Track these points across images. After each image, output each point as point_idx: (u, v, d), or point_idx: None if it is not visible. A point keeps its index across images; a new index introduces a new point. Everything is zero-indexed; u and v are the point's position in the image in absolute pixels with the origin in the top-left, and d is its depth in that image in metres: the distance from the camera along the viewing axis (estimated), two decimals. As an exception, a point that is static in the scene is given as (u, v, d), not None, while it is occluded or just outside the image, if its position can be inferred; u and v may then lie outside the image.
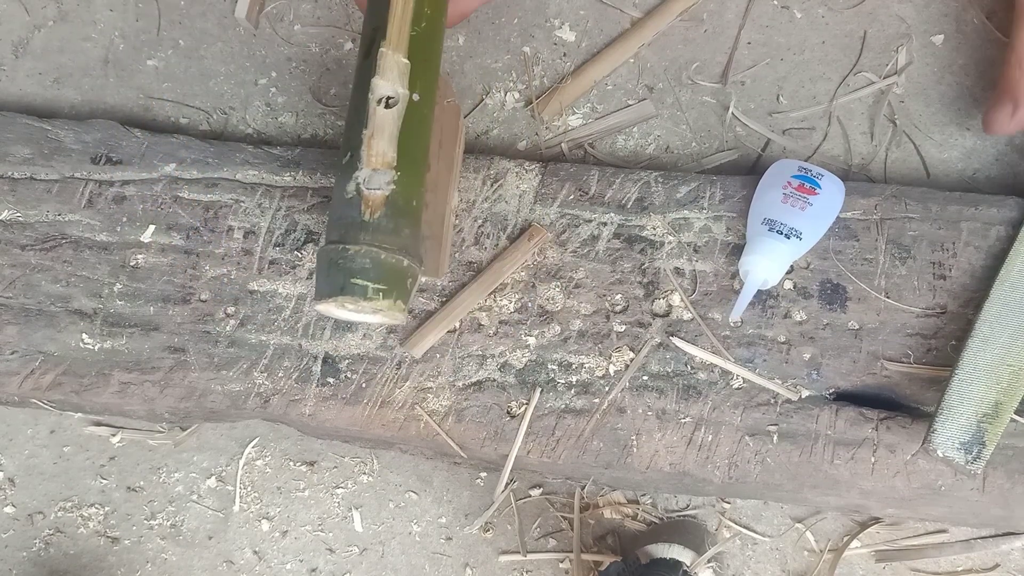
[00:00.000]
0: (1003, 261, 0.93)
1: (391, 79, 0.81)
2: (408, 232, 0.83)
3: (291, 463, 1.10)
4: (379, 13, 0.83)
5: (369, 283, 0.80)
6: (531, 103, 1.12)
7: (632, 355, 0.95)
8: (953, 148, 1.08)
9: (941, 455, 0.85)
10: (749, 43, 1.13)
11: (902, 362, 0.93)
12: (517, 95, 1.13)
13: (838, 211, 0.96)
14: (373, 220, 0.80)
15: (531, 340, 0.96)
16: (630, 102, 1.12)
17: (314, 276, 0.86)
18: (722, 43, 1.13)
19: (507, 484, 1.00)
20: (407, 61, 0.82)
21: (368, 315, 0.85)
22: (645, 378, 0.94)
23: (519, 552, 1.05)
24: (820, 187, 0.95)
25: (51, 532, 1.09)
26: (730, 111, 1.10)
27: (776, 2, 1.13)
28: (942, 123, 1.09)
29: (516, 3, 1.15)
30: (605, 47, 1.13)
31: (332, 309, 0.84)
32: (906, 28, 1.11)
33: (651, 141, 1.11)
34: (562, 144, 1.11)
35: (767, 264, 0.92)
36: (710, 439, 0.92)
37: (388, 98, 0.81)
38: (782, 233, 0.92)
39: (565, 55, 1.14)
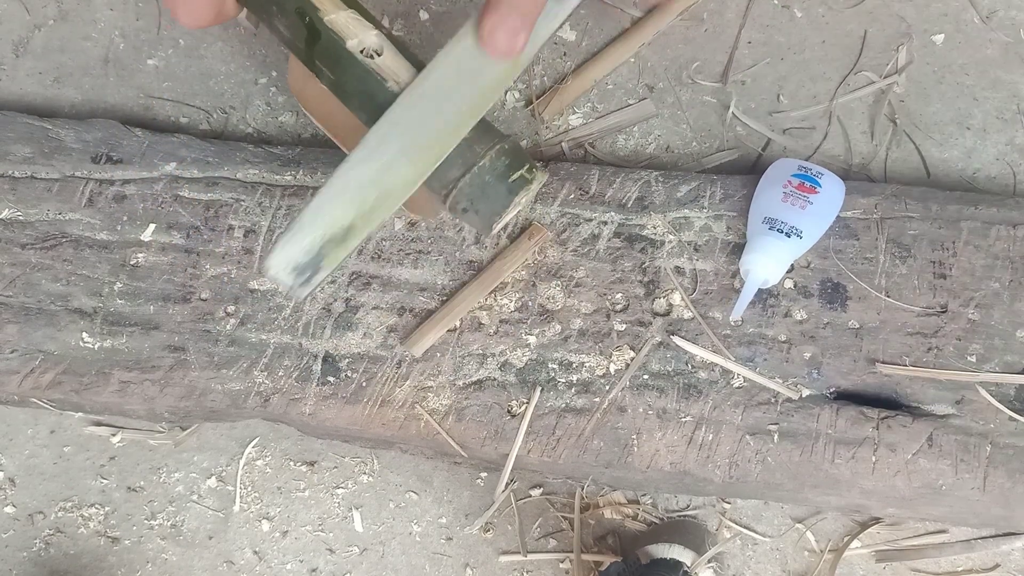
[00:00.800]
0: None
1: (357, 32, 0.78)
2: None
3: (291, 463, 1.10)
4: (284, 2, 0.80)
5: (522, 170, 0.79)
6: (531, 102, 1.12)
7: (633, 354, 0.95)
8: (953, 148, 1.08)
9: (272, 275, 0.75)
10: (749, 42, 1.13)
11: (896, 364, 0.93)
12: (517, 94, 1.13)
13: (838, 210, 0.96)
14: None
15: (532, 339, 0.96)
16: (630, 101, 1.12)
17: (467, 216, 0.82)
18: (722, 42, 1.13)
19: (507, 484, 1.00)
20: (349, 9, 0.79)
21: (528, 197, 0.83)
22: (646, 377, 0.94)
23: (519, 552, 1.05)
24: (820, 186, 0.95)
25: (51, 532, 1.09)
26: (730, 110, 1.10)
27: (776, 1, 1.13)
28: (942, 123, 1.09)
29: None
30: (605, 46, 1.13)
31: (503, 219, 0.82)
32: (906, 28, 1.12)
33: (651, 140, 1.11)
34: (562, 143, 1.11)
35: (768, 263, 0.92)
36: (711, 438, 0.92)
37: (373, 51, 0.80)
38: (783, 232, 0.92)
39: (565, 54, 1.14)
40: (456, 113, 0.76)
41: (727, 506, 1.05)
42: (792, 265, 0.96)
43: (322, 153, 1.05)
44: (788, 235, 0.92)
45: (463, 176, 0.78)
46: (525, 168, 0.79)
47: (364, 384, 0.96)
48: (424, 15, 1.15)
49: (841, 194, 0.96)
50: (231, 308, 0.99)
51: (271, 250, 0.74)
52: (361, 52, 0.77)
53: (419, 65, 0.78)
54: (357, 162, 0.75)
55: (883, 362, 0.93)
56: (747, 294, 0.92)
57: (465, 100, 0.76)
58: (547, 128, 1.11)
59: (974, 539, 1.02)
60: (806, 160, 1.03)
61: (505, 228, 0.99)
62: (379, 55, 0.77)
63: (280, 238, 0.75)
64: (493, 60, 0.74)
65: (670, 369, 0.94)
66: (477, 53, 0.74)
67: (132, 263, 1.01)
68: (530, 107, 1.12)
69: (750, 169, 1.09)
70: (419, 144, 0.75)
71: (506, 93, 1.13)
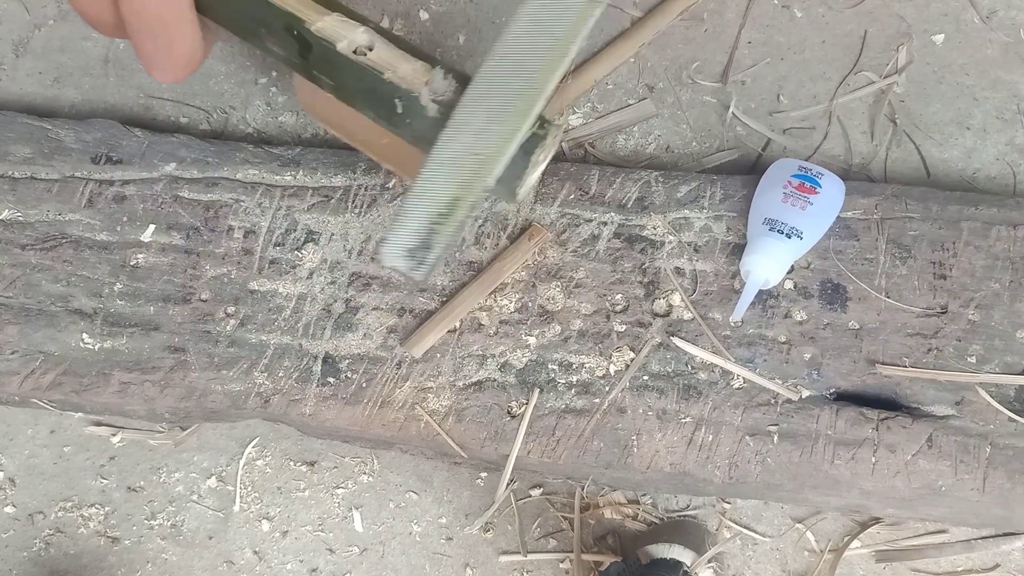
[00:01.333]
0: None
1: (346, 33, 0.79)
2: None
3: (291, 463, 1.10)
4: (274, 18, 0.80)
5: (533, 127, 0.78)
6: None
7: (632, 355, 0.95)
8: (953, 148, 1.08)
9: (388, 264, 0.75)
10: (749, 42, 1.13)
11: (896, 365, 0.93)
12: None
13: (838, 210, 0.96)
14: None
15: (531, 340, 0.96)
16: (630, 101, 1.12)
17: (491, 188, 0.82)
18: (722, 42, 1.13)
19: (507, 484, 1.00)
20: (331, 12, 0.79)
21: (548, 154, 0.82)
22: (645, 378, 0.94)
23: (519, 552, 1.05)
24: (820, 186, 0.95)
25: (51, 532, 1.09)
26: (730, 111, 1.10)
27: (776, 1, 1.13)
28: (942, 123, 1.09)
29: (517, 2, 1.14)
30: (605, 46, 1.13)
31: (527, 183, 0.81)
32: (906, 28, 1.12)
33: (651, 140, 1.11)
34: (562, 143, 1.10)
35: (768, 264, 0.92)
36: (710, 439, 0.92)
37: (364, 48, 0.80)
38: (783, 232, 0.92)
39: (565, 55, 1.14)
40: (540, 65, 0.75)
41: (727, 506, 1.05)
42: (792, 265, 0.96)
43: (322, 154, 1.05)
44: (788, 236, 0.92)
45: None
46: (536, 124, 0.78)
47: (364, 385, 0.96)
48: (424, 15, 1.15)
49: (841, 194, 0.96)
50: (231, 309, 0.99)
51: (382, 240, 0.75)
52: (354, 52, 0.78)
53: (414, 53, 0.78)
54: (449, 139, 0.74)
55: (883, 363, 0.93)
56: (748, 295, 0.92)
57: (546, 51, 0.75)
58: (547, 128, 1.11)
59: (974, 539, 1.02)
60: (806, 160, 1.03)
61: (505, 228, 0.99)
62: (371, 50, 0.78)
63: (389, 228, 0.74)
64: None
65: (670, 370, 0.94)
66: None
67: (132, 264, 1.01)
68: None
69: (750, 169, 1.09)
70: (506, 106, 0.74)
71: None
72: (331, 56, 0.78)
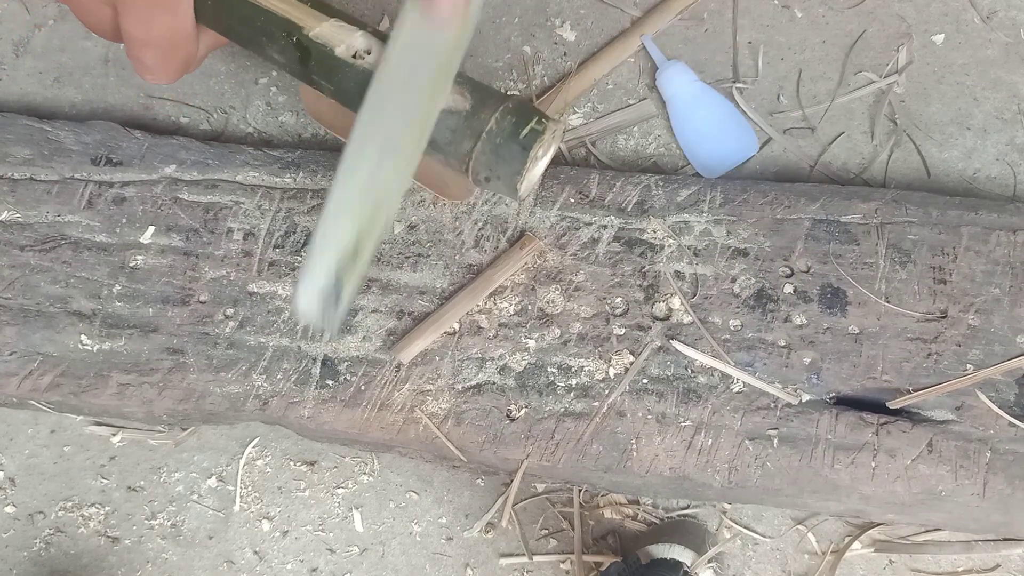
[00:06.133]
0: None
1: (343, 38, 0.80)
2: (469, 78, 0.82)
3: (291, 463, 1.10)
4: (274, 26, 0.81)
5: (531, 123, 0.79)
6: (532, 102, 1.12)
7: (632, 358, 0.95)
8: (953, 148, 1.08)
9: (303, 311, 0.75)
10: (749, 42, 1.12)
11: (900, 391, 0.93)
12: (518, 94, 1.13)
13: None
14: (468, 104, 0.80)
15: (531, 343, 0.96)
16: (630, 101, 1.12)
17: (491, 185, 0.82)
18: (722, 42, 1.13)
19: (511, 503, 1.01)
20: (329, 17, 0.80)
21: (548, 150, 0.83)
22: (645, 382, 0.94)
23: (520, 554, 1.05)
24: None
25: (51, 532, 1.09)
26: (730, 111, 1.10)
27: (777, 1, 1.13)
28: (942, 123, 1.09)
29: (517, 2, 1.14)
30: (605, 46, 1.13)
31: (528, 180, 0.82)
32: (906, 28, 1.11)
33: (652, 140, 1.11)
34: (562, 144, 1.10)
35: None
36: (710, 443, 0.92)
37: (363, 52, 0.80)
38: None
39: (566, 54, 1.14)
40: (419, 95, 0.76)
41: (727, 506, 1.06)
42: (792, 270, 0.96)
43: (322, 155, 1.04)
44: None
45: (475, 146, 0.79)
46: (534, 121, 0.79)
47: (363, 388, 0.96)
48: (424, 14, 1.15)
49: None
50: (230, 311, 0.99)
51: (295, 291, 0.75)
52: (353, 56, 0.79)
53: None
54: (343, 178, 0.75)
55: (886, 380, 0.93)
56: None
57: (423, 79, 0.76)
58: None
59: (974, 540, 1.02)
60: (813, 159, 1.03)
61: (505, 232, 0.99)
62: (368, 54, 0.79)
63: (299, 276, 0.74)
64: (441, 27, 0.74)
65: (669, 374, 0.94)
66: (425, 25, 0.74)
67: (131, 265, 1.01)
68: (530, 107, 1.12)
69: (750, 172, 1.09)
70: (394, 138, 0.75)
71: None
72: (330, 61, 0.79)
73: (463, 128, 0.79)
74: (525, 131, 0.79)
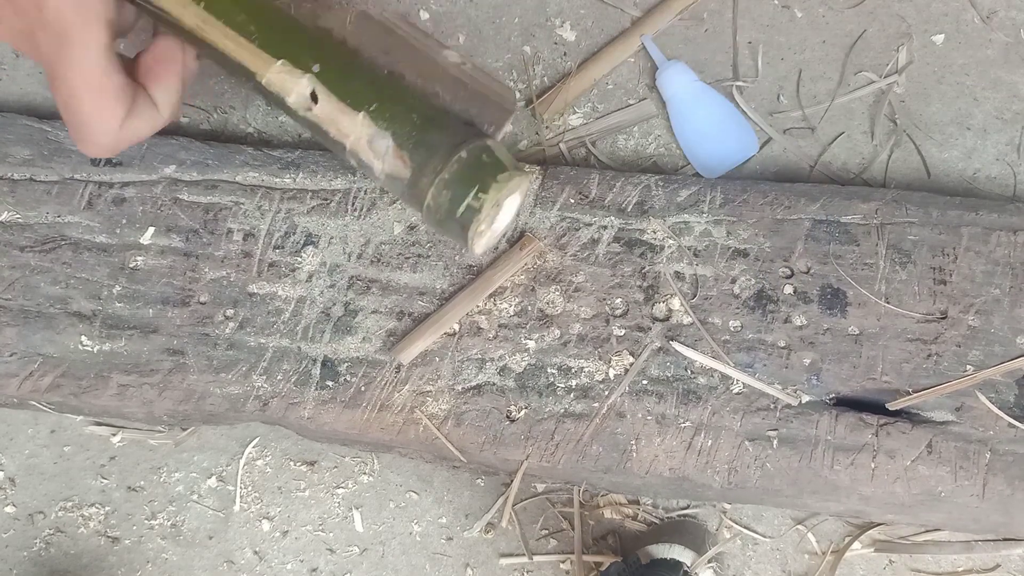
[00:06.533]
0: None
1: (291, 87, 0.74)
2: (432, 126, 0.74)
3: (291, 463, 1.10)
4: (233, 68, 0.76)
5: (468, 199, 0.73)
6: (532, 102, 1.12)
7: (632, 359, 0.95)
8: (953, 148, 1.08)
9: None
10: (749, 42, 1.12)
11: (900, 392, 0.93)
12: (518, 94, 1.13)
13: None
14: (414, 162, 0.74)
15: (531, 344, 0.96)
16: (630, 101, 1.12)
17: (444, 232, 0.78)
18: (722, 42, 1.12)
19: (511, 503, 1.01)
20: (279, 60, 0.74)
21: (515, 201, 0.80)
22: (645, 382, 0.94)
23: (520, 554, 1.06)
24: None
25: (52, 532, 1.10)
26: (730, 111, 1.10)
27: (777, 1, 1.13)
28: (942, 123, 1.09)
29: (517, 2, 1.14)
30: (605, 46, 1.13)
31: (485, 240, 0.78)
32: (906, 28, 1.11)
33: (652, 140, 1.11)
34: (560, 144, 1.10)
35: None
36: (710, 444, 0.92)
37: (309, 103, 0.75)
38: None
39: (566, 54, 1.14)
40: None
41: (727, 506, 1.06)
42: (792, 271, 0.96)
43: (322, 156, 1.04)
44: None
45: (420, 214, 0.76)
46: (471, 196, 0.73)
47: (363, 388, 0.96)
48: (424, 15, 1.15)
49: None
50: (230, 312, 0.99)
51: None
52: (305, 107, 0.75)
53: (364, 89, 0.75)
54: None
55: (884, 376, 0.93)
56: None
57: None
58: (547, 128, 1.11)
59: (974, 540, 1.02)
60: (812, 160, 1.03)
61: (504, 233, 0.99)
62: (316, 102, 0.74)
63: None
64: None
65: (669, 374, 0.94)
66: None
67: (131, 266, 1.01)
68: (530, 107, 1.12)
69: (751, 172, 1.09)
70: None
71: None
72: (286, 109, 0.76)
73: (407, 196, 0.75)
74: (461, 209, 0.73)
